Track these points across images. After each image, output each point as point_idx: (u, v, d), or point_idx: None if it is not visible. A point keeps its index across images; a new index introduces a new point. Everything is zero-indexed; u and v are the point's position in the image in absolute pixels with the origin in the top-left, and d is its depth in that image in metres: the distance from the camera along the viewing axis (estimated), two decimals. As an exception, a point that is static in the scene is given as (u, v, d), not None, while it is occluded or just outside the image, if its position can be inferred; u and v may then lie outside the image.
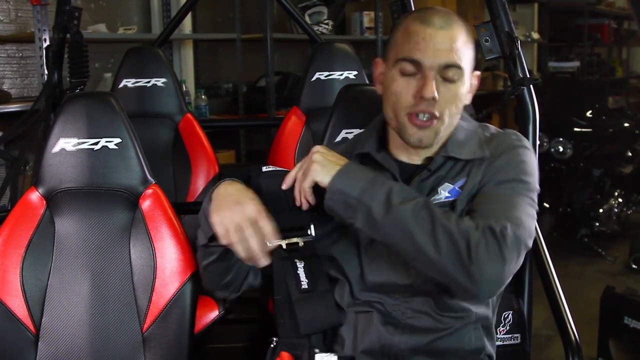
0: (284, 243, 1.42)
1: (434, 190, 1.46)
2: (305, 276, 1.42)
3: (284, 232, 1.44)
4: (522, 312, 1.59)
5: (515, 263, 1.32)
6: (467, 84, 1.46)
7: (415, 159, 1.51)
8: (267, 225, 1.40)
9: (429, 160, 1.49)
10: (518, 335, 1.62)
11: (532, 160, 1.51)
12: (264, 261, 1.42)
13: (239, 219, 1.39)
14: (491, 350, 1.49)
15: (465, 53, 1.42)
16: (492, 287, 1.31)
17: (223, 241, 1.40)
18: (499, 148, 1.48)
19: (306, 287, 1.42)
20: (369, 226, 1.35)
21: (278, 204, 1.47)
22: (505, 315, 1.60)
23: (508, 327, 1.61)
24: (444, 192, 1.46)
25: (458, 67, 1.40)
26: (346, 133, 1.94)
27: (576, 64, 7.63)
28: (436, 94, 1.38)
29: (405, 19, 1.46)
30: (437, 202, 1.43)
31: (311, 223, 1.46)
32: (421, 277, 1.41)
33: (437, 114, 1.40)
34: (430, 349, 1.43)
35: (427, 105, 1.39)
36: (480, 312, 1.45)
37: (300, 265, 1.43)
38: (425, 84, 1.38)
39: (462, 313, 1.43)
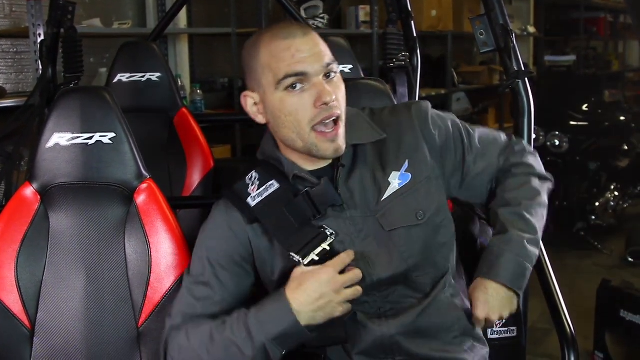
0: (314, 256, 1.41)
1: (378, 184, 1.46)
2: None
3: (305, 247, 1.42)
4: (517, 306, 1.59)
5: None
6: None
7: (321, 162, 1.48)
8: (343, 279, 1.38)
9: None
10: (514, 328, 1.62)
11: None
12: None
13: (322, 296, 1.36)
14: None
15: (330, 53, 1.43)
16: None
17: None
18: (408, 116, 1.52)
19: None
20: None
21: (282, 225, 1.45)
22: None
23: (504, 321, 1.61)
24: (395, 182, 1.47)
25: (334, 62, 1.41)
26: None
27: (572, 57, 7.63)
28: (333, 95, 1.38)
29: (259, 43, 1.42)
30: (393, 191, 1.46)
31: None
32: (386, 270, 1.44)
33: (338, 113, 1.40)
34: (420, 326, 1.45)
35: (329, 109, 1.38)
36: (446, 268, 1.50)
37: None
38: (321, 89, 1.37)
39: (432, 279, 1.47)
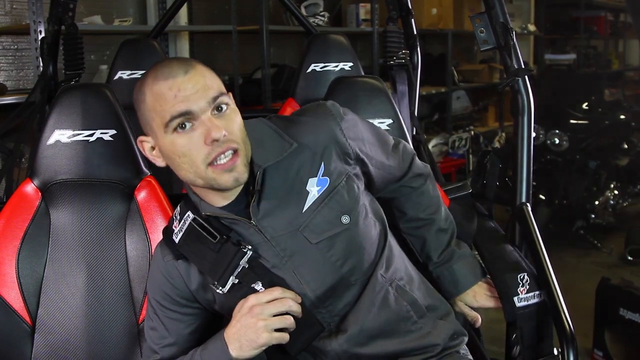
0: (233, 279, 1.40)
1: (297, 195, 1.43)
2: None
3: (225, 273, 1.40)
4: (533, 272, 1.62)
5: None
6: (239, 114, 1.40)
7: (231, 193, 1.43)
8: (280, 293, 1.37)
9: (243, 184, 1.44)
10: (538, 293, 1.61)
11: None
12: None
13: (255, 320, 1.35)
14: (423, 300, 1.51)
15: (214, 82, 1.37)
16: None
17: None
18: (317, 117, 1.50)
19: None
20: None
21: (202, 253, 1.43)
22: (521, 277, 1.60)
23: (527, 287, 1.60)
24: (314, 189, 1.44)
25: (223, 94, 1.36)
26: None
27: (572, 56, 7.64)
28: (223, 131, 1.32)
29: (144, 87, 1.36)
30: (313, 200, 1.42)
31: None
32: (322, 284, 1.42)
33: (234, 146, 1.34)
34: (373, 328, 1.44)
35: (221, 144, 1.33)
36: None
37: (259, 289, 1.40)
38: (209, 126, 1.32)
39: (369, 276, 1.46)
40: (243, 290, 1.40)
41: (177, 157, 1.36)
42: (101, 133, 1.70)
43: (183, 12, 4.37)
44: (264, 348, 1.35)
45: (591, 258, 4.70)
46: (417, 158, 1.66)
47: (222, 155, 1.33)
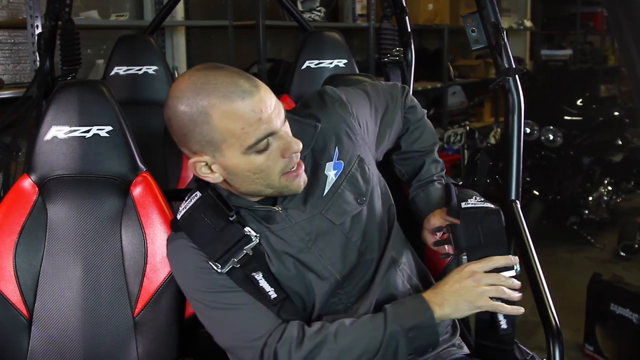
0: (234, 262, 1.41)
1: (317, 180, 1.47)
2: (269, 285, 1.43)
3: (226, 254, 1.41)
4: None
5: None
6: None
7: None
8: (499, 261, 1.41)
9: None
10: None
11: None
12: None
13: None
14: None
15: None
16: None
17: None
18: (324, 103, 1.55)
19: (276, 296, 1.43)
20: None
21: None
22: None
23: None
24: (331, 173, 1.49)
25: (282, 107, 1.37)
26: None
27: (568, 52, 7.64)
28: (296, 141, 1.36)
29: (209, 108, 1.29)
30: (332, 183, 1.48)
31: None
32: (345, 264, 1.46)
33: (299, 155, 1.40)
34: (380, 303, 1.46)
35: (296, 156, 1.38)
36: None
37: (259, 278, 1.42)
38: (289, 141, 1.35)
39: (379, 254, 1.51)
40: (241, 276, 1.41)
41: (252, 173, 1.36)
42: (97, 129, 1.71)
43: (179, 7, 4.37)
44: (477, 311, 1.39)
45: (584, 253, 4.73)
46: (406, 90, 1.74)
47: (294, 166, 1.39)
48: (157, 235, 1.70)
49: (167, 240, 1.51)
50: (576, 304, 3.30)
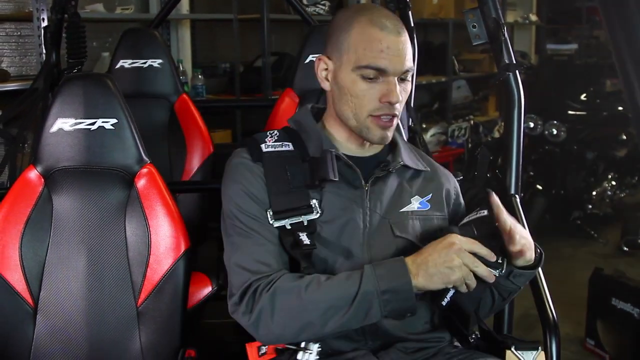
0: (287, 224, 1.45)
1: (401, 197, 1.55)
2: (308, 239, 1.47)
3: (284, 212, 1.47)
4: None
5: None
6: None
7: (362, 151, 1.58)
8: (482, 248, 1.40)
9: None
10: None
11: None
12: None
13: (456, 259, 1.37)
14: None
15: (411, 54, 1.48)
16: None
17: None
18: (447, 176, 1.67)
19: (308, 242, 1.46)
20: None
21: (278, 181, 1.49)
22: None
23: None
24: (415, 203, 1.56)
25: (411, 68, 1.48)
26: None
27: (574, 46, 7.62)
28: (400, 97, 1.46)
29: (353, 20, 1.47)
30: (411, 210, 1.55)
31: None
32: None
33: (397, 113, 1.48)
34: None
35: (390, 108, 1.45)
36: None
37: (302, 235, 1.46)
38: (392, 89, 1.44)
39: None
40: (288, 237, 1.45)
41: (350, 95, 1.47)
42: (103, 122, 1.73)
43: (185, 0, 4.40)
44: (449, 286, 1.38)
45: (587, 248, 4.73)
46: None
47: (387, 116, 1.46)
48: (161, 226, 1.72)
49: (239, 153, 1.55)
50: (578, 299, 3.31)
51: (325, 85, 1.54)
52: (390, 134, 1.51)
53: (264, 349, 1.49)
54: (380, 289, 1.35)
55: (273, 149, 1.53)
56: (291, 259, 1.47)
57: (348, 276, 1.39)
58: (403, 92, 1.47)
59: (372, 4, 1.53)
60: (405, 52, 1.44)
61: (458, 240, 1.37)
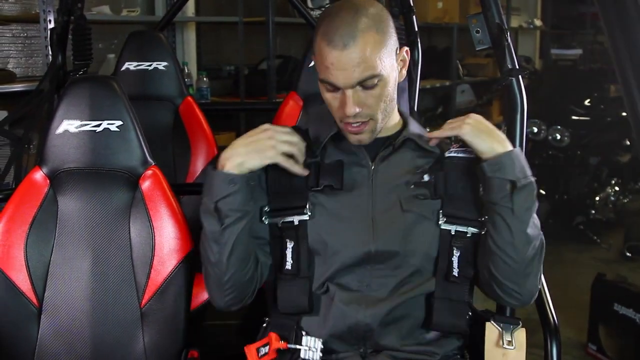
0: (279, 222, 1.49)
1: (412, 175, 1.54)
2: (291, 257, 1.51)
3: (282, 211, 1.52)
4: None
5: None
6: (392, 79, 1.48)
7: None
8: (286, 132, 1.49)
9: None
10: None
11: None
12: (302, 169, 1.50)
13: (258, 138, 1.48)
14: None
15: (376, 57, 1.42)
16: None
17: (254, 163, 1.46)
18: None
19: (289, 268, 1.51)
20: (525, 207, 1.45)
21: (280, 186, 1.54)
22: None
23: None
24: (428, 178, 1.54)
25: (372, 76, 1.43)
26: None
27: (578, 51, 7.62)
28: (357, 109, 1.44)
29: (317, 28, 1.46)
30: (417, 181, 1.53)
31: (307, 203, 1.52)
32: (385, 244, 1.50)
33: (365, 119, 1.47)
34: (394, 316, 1.50)
35: (354, 117, 1.46)
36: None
37: (289, 246, 1.51)
38: (345, 102, 1.44)
39: (413, 272, 1.53)
40: (276, 234, 1.52)
41: (325, 101, 1.50)
42: (108, 124, 1.74)
43: (190, 3, 4.41)
44: (265, 164, 1.47)
45: (590, 253, 4.72)
46: None
47: (353, 124, 1.48)
48: (165, 228, 1.73)
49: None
50: (580, 304, 3.31)
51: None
52: (365, 136, 1.51)
53: (263, 351, 1.50)
54: (206, 194, 1.48)
55: None
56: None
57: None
58: (369, 98, 1.45)
59: (345, 2, 1.49)
60: (354, 64, 1.40)
61: (270, 127, 1.49)
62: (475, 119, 1.47)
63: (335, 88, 1.44)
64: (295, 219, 1.51)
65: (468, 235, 1.51)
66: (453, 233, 1.51)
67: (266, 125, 1.49)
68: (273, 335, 1.51)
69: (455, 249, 1.51)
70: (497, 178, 1.43)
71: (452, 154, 1.54)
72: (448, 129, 1.48)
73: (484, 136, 1.45)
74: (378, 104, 1.47)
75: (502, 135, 1.47)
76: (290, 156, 1.49)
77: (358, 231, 1.51)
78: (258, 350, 1.51)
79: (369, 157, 1.55)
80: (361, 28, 1.41)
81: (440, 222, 1.51)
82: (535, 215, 1.47)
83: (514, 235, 1.44)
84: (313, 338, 1.50)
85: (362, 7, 1.44)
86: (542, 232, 1.50)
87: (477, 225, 1.51)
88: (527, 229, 1.45)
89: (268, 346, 1.50)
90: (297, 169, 1.49)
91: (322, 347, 1.49)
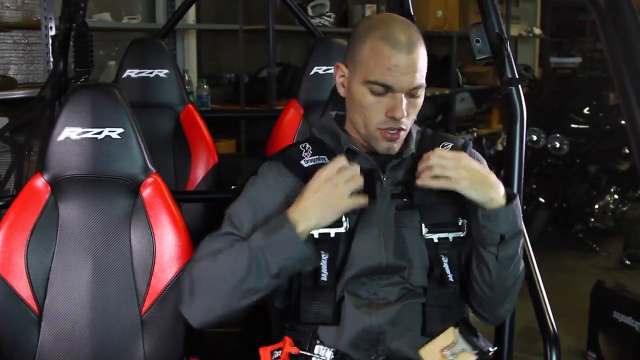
0: (316, 233, 1.47)
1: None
2: (327, 269, 1.50)
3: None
4: None
5: None
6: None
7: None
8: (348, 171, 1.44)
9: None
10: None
11: None
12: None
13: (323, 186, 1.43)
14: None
15: (425, 68, 1.49)
16: None
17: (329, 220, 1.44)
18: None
19: (325, 279, 1.50)
20: (509, 256, 1.48)
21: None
22: None
23: None
24: None
25: (422, 86, 1.49)
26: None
27: (578, 59, 7.64)
28: (406, 114, 1.47)
29: (369, 33, 1.49)
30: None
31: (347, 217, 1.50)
32: (396, 257, 1.51)
33: (404, 128, 1.50)
34: (404, 320, 1.52)
35: (396, 123, 1.47)
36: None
37: (324, 258, 1.50)
38: (397, 106, 1.46)
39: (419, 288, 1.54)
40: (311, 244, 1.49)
41: (359, 105, 1.51)
42: (109, 131, 1.75)
43: (191, 10, 4.42)
44: (342, 213, 1.44)
45: (589, 261, 4.73)
46: None
47: (392, 130, 1.49)
48: (166, 235, 1.73)
49: (275, 166, 1.58)
50: (579, 311, 3.32)
51: (342, 92, 1.59)
52: (397, 145, 1.53)
53: (277, 354, 1.51)
54: (267, 242, 1.42)
55: (313, 163, 1.56)
56: None
57: (241, 243, 1.47)
58: (411, 107, 1.49)
59: (395, 15, 1.54)
60: (416, 69, 1.46)
61: (329, 172, 1.42)
62: (469, 168, 1.45)
63: (385, 91, 1.46)
64: (332, 231, 1.50)
65: (450, 241, 1.53)
66: (436, 241, 1.52)
67: (325, 174, 1.43)
68: (288, 340, 1.51)
69: (443, 256, 1.53)
70: (489, 229, 1.46)
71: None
72: (445, 183, 1.44)
73: (480, 187, 1.44)
74: (415, 114, 1.52)
75: (496, 181, 1.47)
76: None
77: (372, 243, 1.52)
78: (272, 353, 1.51)
79: (380, 169, 1.55)
80: (419, 37, 1.49)
81: (423, 232, 1.53)
82: (519, 253, 1.52)
83: (493, 277, 1.50)
84: (325, 347, 1.51)
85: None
86: (523, 265, 1.55)
87: (456, 230, 1.54)
88: (508, 271, 1.50)
89: (282, 350, 1.51)
90: (364, 201, 1.45)
91: (332, 356, 1.50)
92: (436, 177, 1.43)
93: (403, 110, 1.46)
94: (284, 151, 1.62)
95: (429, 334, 1.53)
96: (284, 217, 1.43)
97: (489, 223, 1.45)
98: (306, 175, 1.51)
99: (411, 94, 1.48)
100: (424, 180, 1.44)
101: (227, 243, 1.50)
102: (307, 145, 1.61)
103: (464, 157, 1.46)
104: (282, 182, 1.56)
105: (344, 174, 1.42)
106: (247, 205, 1.56)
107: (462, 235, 1.53)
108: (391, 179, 1.56)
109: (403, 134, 1.52)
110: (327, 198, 1.41)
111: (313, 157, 1.57)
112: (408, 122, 1.51)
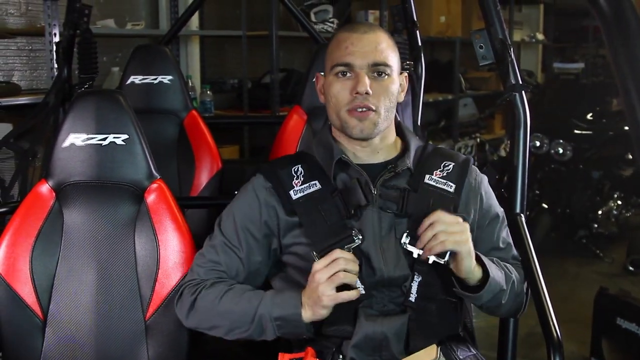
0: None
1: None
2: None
3: (327, 248, 1.50)
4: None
5: None
6: (397, 83, 1.59)
7: (374, 157, 1.63)
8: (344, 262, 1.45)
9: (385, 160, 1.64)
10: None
11: None
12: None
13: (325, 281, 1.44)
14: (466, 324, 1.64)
15: (390, 54, 1.57)
16: None
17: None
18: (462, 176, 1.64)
19: (364, 292, 1.50)
20: (486, 305, 1.57)
21: (315, 223, 1.56)
22: None
23: None
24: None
25: (385, 65, 1.55)
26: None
27: (581, 65, 7.62)
28: (369, 89, 1.52)
29: (334, 35, 1.61)
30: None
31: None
32: (396, 269, 1.53)
33: (372, 107, 1.54)
34: (409, 328, 1.53)
35: (363, 99, 1.53)
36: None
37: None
38: (358, 81, 1.53)
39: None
40: None
41: (330, 96, 1.58)
42: (114, 137, 1.76)
43: (194, 17, 4.43)
44: (330, 307, 1.45)
45: (592, 267, 4.72)
46: None
47: (360, 107, 1.54)
48: (170, 241, 1.74)
49: (260, 186, 1.63)
50: (583, 317, 3.31)
51: (321, 98, 1.66)
52: (368, 126, 1.55)
53: None
54: (272, 315, 1.49)
55: (302, 194, 1.58)
56: None
57: (253, 295, 1.53)
58: (379, 87, 1.54)
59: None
60: (374, 48, 1.54)
61: (317, 265, 1.44)
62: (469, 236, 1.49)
63: (347, 71, 1.54)
64: (349, 248, 1.51)
65: (429, 262, 1.51)
66: (415, 256, 1.51)
67: (314, 267, 1.45)
68: (310, 351, 1.49)
69: (417, 274, 1.53)
70: (470, 299, 1.55)
71: (432, 182, 1.60)
72: (452, 243, 1.46)
73: (470, 258, 1.49)
74: (384, 96, 1.55)
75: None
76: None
77: (372, 257, 1.53)
78: None
79: (371, 181, 1.57)
80: (378, 27, 1.63)
81: (403, 239, 1.53)
82: (505, 286, 1.56)
83: (487, 311, 1.61)
84: None
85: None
86: (514, 279, 1.60)
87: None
88: (501, 303, 1.57)
89: None
90: (348, 295, 1.45)
91: None
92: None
93: (365, 84, 1.52)
94: (275, 172, 1.63)
95: (412, 349, 1.52)
96: (297, 297, 1.48)
97: (471, 298, 1.54)
98: (293, 209, 1.57)
99: (374, 71, 1.54)
100: (434, 252, 1.47)
101: (231, 270, 1.61)
102: (300, 170, 1.62)
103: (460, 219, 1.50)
104: (269, 205, 1.61)
105: (328, 270, 1.43)
106: (232, 217, 1.63)
107: (442, 262, 1.49)
108: (382, 191, 1.57)
109: (373, 115, 1.55)
110: (311, 294, 1.45)
111: (303, 186, 1.59)
112: (378, 104, 1.55)
